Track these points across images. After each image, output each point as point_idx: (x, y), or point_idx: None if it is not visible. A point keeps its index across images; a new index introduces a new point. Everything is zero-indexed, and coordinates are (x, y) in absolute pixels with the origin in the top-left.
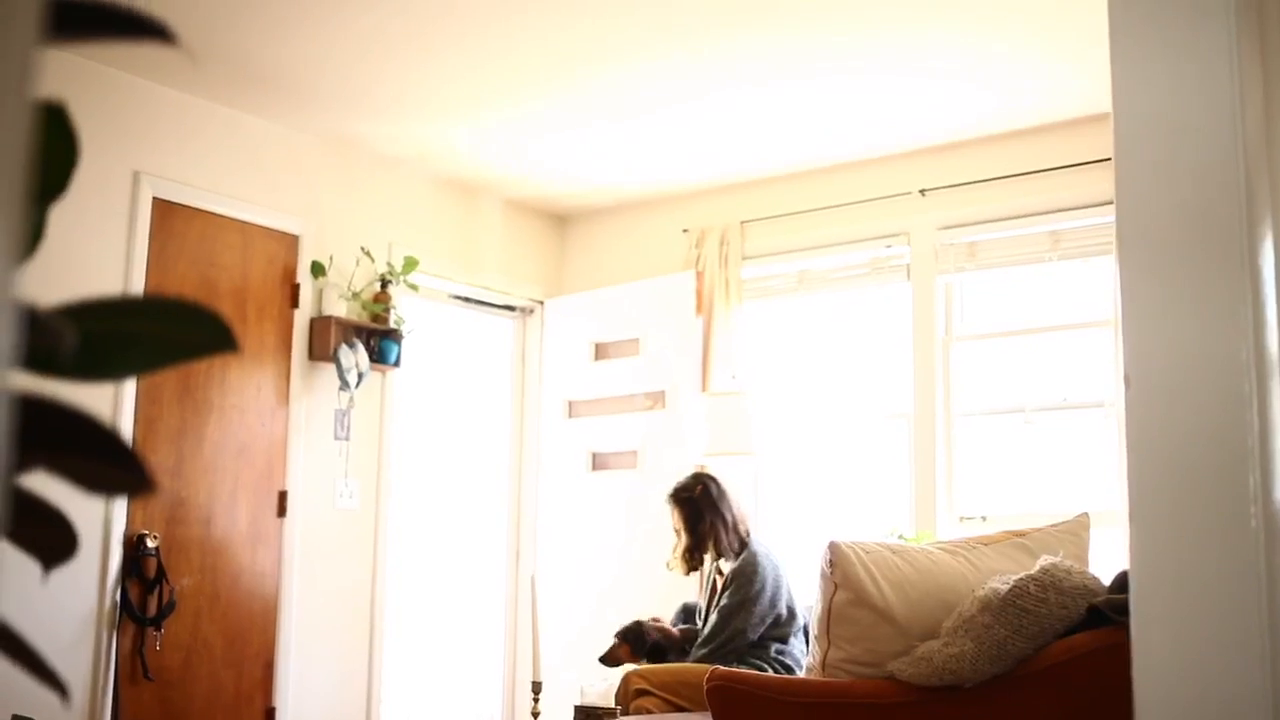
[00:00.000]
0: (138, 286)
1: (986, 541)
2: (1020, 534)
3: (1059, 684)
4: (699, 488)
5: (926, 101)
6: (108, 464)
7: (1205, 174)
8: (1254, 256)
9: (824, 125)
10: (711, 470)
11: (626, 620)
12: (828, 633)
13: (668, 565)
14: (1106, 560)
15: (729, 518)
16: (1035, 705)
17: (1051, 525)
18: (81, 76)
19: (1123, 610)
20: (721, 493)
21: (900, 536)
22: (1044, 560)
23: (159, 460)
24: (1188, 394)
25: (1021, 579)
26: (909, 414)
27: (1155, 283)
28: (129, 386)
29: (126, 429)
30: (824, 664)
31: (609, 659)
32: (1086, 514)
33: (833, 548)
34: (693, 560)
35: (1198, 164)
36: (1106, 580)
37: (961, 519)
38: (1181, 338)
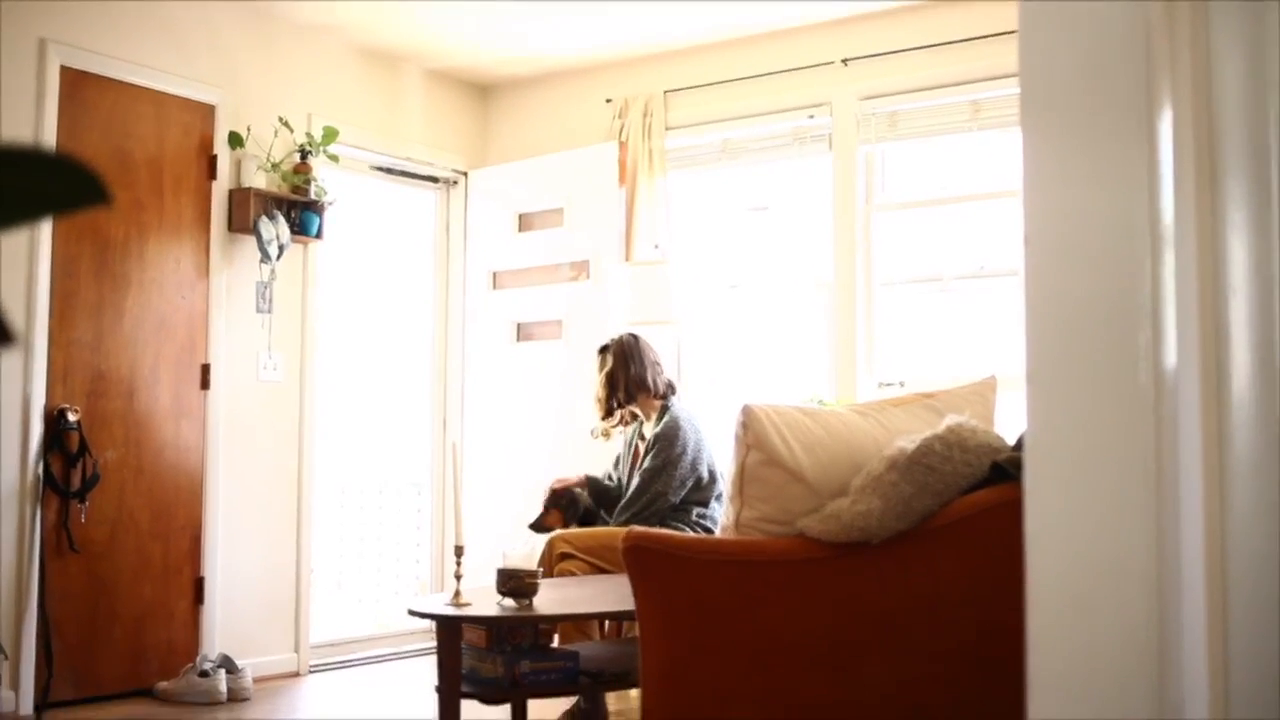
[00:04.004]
0: None
1: (897, 403)
2: (929, 395)
3: (963, 538)
4: (624, 336)
5: None
6: None
7: (1106, 36)
8: (1152, 119)
9: None
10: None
11: (544, 492)
12: (741, 493)
13: (592, 433)
14: (1014, 422)
15: (651, 367)
16: (940, 559)
17: (960, 387)
18: None
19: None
20: (645, 346)
21: (820, 402)
22: (950, 419)
23: (77, 335)
24: (1084, 255)
25: (928, 438)
26: (830, 282)
27: (1055, 145)
28: (44, 261)
29: (43, 304)
30: (737, 523)
31: (539, 525)
32: (994, 376)
33: (745, 410)
34: (613, 399)
35: (1098, 25)
36: (1012, 437)
37: (881, 385)
38: (1079, 200)
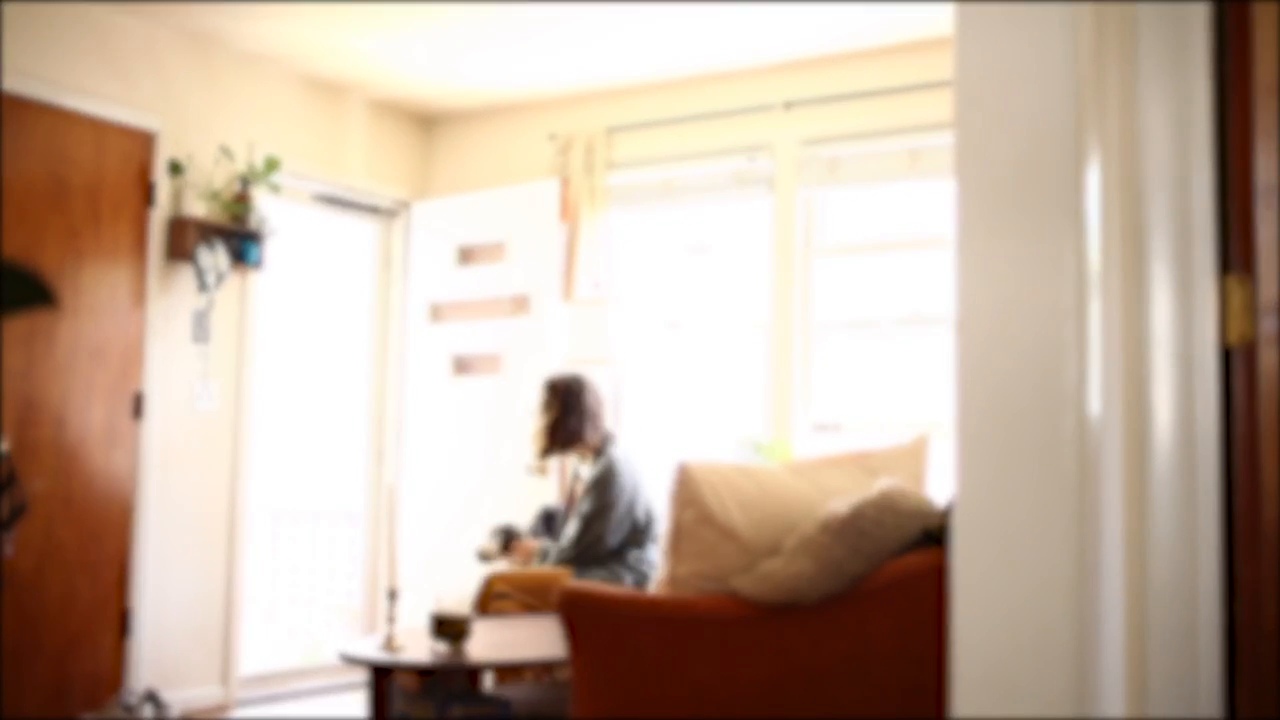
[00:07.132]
0: None
1: (831, 463)
2: (863, 455)
3: (893, 601)
4: (570, 381)
5: (794, 14)
6: None
7: (1039, 120)
8: (1079, 203)
9: (692, 35)
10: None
11: (492, 523)
12: (675, 549)
13: (528, 469)
14: (947, 475)
15: (589, 420)
16: (870, 621)
17: (893, 447)
18: None
19: None
20: (589, 394)
21: (756, 446)
22: (883, 483)
23: (7, 362)
24: (1013, 340)
25: (860, 502)
26: (768, 324)
27: (988, 231)
28: None
29: None
30: (671, 579)
31: (484, 555)
32: (925, 437)
33: (681, 469)
34: (550, 445)
35: (1033, 110)
36: (942, 498)
37: (817, 427)
38: (1009, 284)
